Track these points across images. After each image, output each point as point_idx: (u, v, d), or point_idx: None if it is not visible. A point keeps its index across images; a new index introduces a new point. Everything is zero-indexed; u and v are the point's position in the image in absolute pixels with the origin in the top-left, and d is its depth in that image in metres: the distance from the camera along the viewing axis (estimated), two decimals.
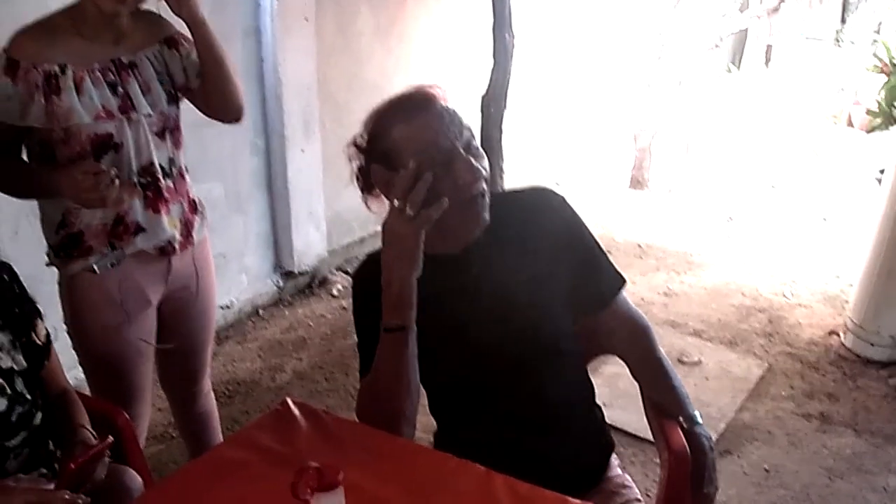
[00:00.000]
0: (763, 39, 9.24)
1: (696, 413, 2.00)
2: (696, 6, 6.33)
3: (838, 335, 4.27)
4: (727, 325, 4.44)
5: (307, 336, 4.17)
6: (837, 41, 8.94)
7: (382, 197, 1.81)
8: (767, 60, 9.44)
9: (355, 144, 1.81)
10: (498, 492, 1.55)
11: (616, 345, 2.07)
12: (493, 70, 4.76)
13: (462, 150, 1.69)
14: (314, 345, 4.10)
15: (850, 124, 8.41)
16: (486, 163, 1.74)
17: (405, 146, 1.69)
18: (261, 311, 4.38)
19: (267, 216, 4.36)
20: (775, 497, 3.14)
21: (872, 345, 4.02)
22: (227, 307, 4.18)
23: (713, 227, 5.94)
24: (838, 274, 5.09)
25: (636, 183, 6.61)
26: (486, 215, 1.73)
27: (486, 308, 1.82)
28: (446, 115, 1.71)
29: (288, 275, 4.51)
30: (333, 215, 4.74)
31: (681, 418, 1.98)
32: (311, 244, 4.55)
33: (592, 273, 1.94)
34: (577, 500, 1.56)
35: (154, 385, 2.55)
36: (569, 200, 1.94)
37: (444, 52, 5.38)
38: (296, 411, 1.80)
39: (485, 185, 1.72)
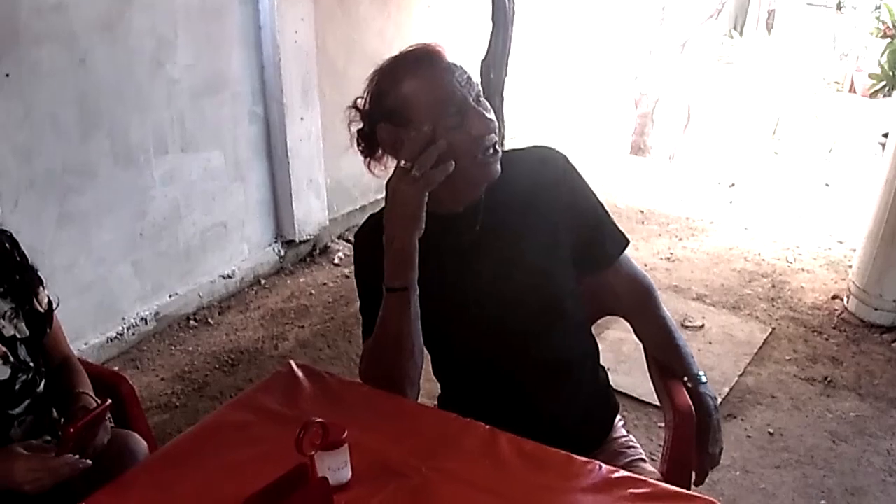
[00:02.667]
0: (765, 5, 9.18)
1: (701, 373, 2.00)
2: None
3: (841, 299, 4.26)
4: (730, 289, 4.43)
5: (309, 304, 4.16)
6: (839, 7, 8.87)
7: (386, 160, 1.80)
8: (769, 27, 9.38)
9: (356, 107, 1.78)
10: (503, 450, 1.55)
11: (620, 305, 2.06)
12: (492, 35, 4.73)
13: (473, 102, 1.67)
14: (316, 313, 4.09)
15: (853, 90, 8.37)
16: (494, 114, 1.72)
17: (416, 100, 1.67)
18: (262, 281, 4.36)
19: (267, 185, 4.33)
20: (779, 460, 3.14)
21: (876, 309, 4.02)
22: (229, 276, 4.18)
23: (715, 193, 5.93)
24: (841, 239, 5.08)
25: (637, 149, 6.59)
26: (499, 167, 1.71)
27: (489, 267, 1.81)
28: (454, 68, 1.69)
29: (289, 243, 4.49)
30: (334, 183, 4.72)
31: (685, 378, 1.98)
32: (311, 212, 4.53)
33: (596, 232, 1.92)
34: (582, 458, 1.55)
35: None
36: (571, 159, 1.92)
37: (444, 17, 5.34)
38: (299, 373, 1.79)
39: (496, 137, 1.71)
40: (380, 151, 1.79)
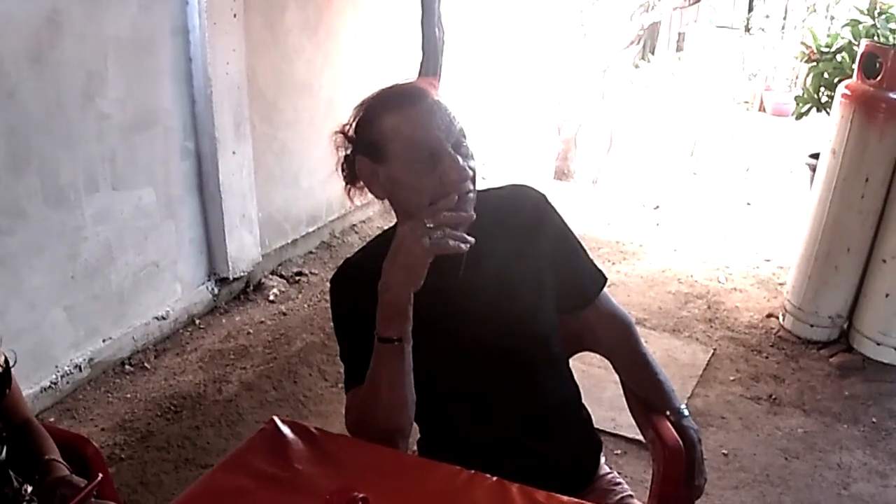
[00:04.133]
0: (675, 28, 9.38)
1: (683, 406, 2.00)
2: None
3: (777, 318, 4.34)
4: (668, 312, 4.47)
5: (248, 344, 4.04)
6: (747, 29, 9.12)
7: (365, 189, 1.75)
8: (679, 49, 9.58)
9: (343, 133, 1.73)
10: (516, 502, 1.49)
11: (600, 342, 2.04)
12: (421, 64, 4.71)
13: (450, 148, 1.62)
14: (257, 353, 3.97)
15: (762, 109, 8.60)
16: (474, 162, 1.68)
17: (391, 138, 1.63)
18: (197, 320, 4.21)
19: (199, 221, 4.20)
20: (736, 480, 3.17)
21: (812, 325, 4.10)
22: (163, 318, 4.03)
23: (641, 216, 6.00)
24: (768, 257, 5.19)
25: (561, 174, 6.63)
26: (472, 213, 1.67)
27: (474, 310, 1.76)
28: (437, 109, 1.64)
29: (223, 281, 4.37)
30: (266, 218, 4.63)
31: (668, 412, 1.97)
32: (244, 248, 4.41)
33: (576, 271, 1.91)
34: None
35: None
36: (549, 198, 1.89)
37: (373, 47, 5.31)
38: (285, 429, 1.69)
39: (471, 185, 1.66)
40: (359, 181, 1.75)
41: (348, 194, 1.79)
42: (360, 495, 1.29)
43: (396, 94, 1.68)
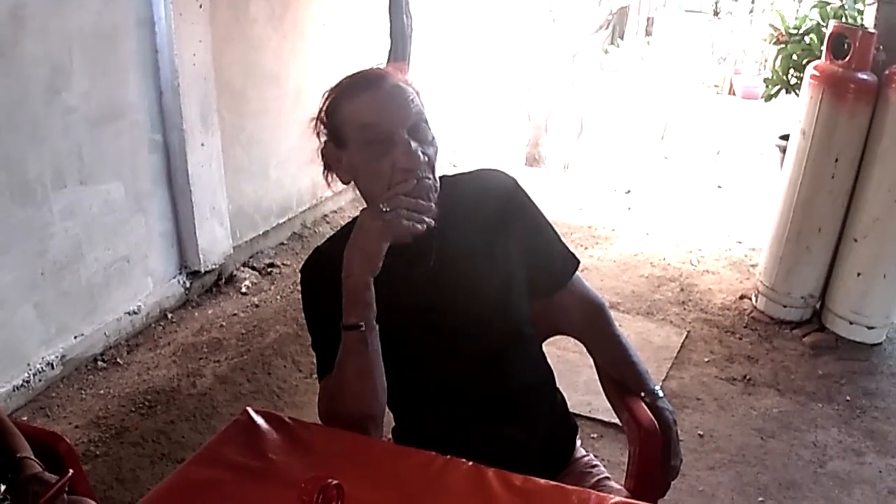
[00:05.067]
0: (643, 13, 9.40)
1: (657, 387, 2.00)
2: None
3: (749, 299, 4.36)
4: (641, 295, 4.48)
5: (221, 337, 4.01)
6: (716, 13, 9.15)
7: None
8: (648, 33, 9.60)
9: (319, 119, 1.73)
10: (491, 486, 1.48)
11: (572, 325, 2.04)
12: (389, 52, 4.70)
13: (405, 133, 1.62)
14: (230, 346, 3.94)
15: (732, 93, 8.64)
16: (433, 149, 1.68)
17: (349, 123, 1.65)
18: (169, 315, 4.18)
19: (169, 215, 4.16)
20: (713, 461, 3.18)
21: (784, 306, 4.12)
22: (135, 313, 3.99)
23: (612, 200, 6.02)
24: (740, 239, 5.22)
25: (532, 160, 6.63)
26: (432, 203, 1.66)
27: (446, 296, 1.76)
28: (395, 93, 1.64)
29: (194, 274, 4.33)
30: (236, 209, 4.59)
31: (642, 394, 1.97)
32: (215, 241, 4.38)
33: (548, 255, 1.91)
34: (574, 487, 1.51)
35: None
36: (520, 182, 1.88)
37: (339, 35, 5.27)
38: (259, 420, 1.68)
39: (428, 172, 1.66)
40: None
41: (326, 180, 1.79)
42: (334, 482, 1.28)
43: (356, 80, 1.69)
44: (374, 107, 1.63)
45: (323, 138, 1.74)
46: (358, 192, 1.75)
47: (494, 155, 6.64)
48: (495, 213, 1.81)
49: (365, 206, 1.73)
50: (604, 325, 2.02)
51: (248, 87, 4.56)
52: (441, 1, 6.15)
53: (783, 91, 5.20)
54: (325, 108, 1.70)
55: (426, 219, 1.61)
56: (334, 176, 1.76)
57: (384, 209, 1.59)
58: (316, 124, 1.73)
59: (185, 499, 1.50)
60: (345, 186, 1.78)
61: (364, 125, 1.63)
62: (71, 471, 1.60)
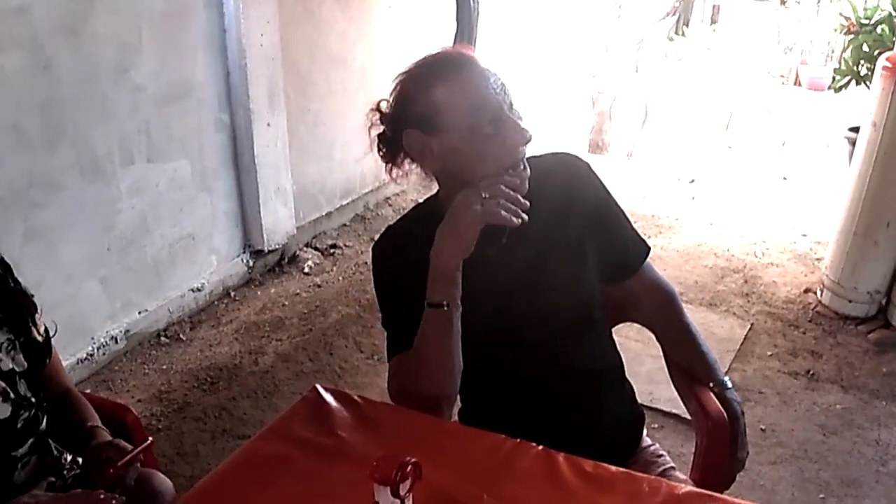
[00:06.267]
0: (709, 1, 9.27)
1: (726, 378, 1.96)
2: None
3: (814, 293, 4.28)
4: (704, 286, 4.43)
5: (284, 316, 4.05)
6: (783, 2, 8.99)
7: (406, 166, 1.73)
8: (714, 22, 9.47)
9: (379, 110, 1.70)
10: (562, 471, 1.48)
11: (643, 312, 2.01)
12: (455, 35, 4.68)
13: (508, 111, 1.60)
14: (292, 325, 3.98)
15: (798, 83, 8.49)
16: (527, 126, 1.65)
17: (450, 107, 1.60)
18: (232, 293, 4.23)
19: (234, 194, 4.21)
20: (774, 456, 3.14)
21: (850, 301, 4.04)
22: (199, 290, 4.04)
23: (676, 189, 5.94)
24: (805, 232, 5.12)
25: (596, 147, 6.58)
26: (526, 185, 1.65)
27: (519, 277, 1.75)
28: (489, 74, 1.63)
29: (257, 253, 4.37)
30: (300, 190, 4.62)
31: (711, 384, 1.93)
32: (279, 221, 4.41)
33: (620, 240, 1.88)
34: (644, 475, 1.50)
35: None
36: (593, 167, 1.86)
37: (406, 18, 5.27)
38: (328, 398, 1.69)
39: (526, 151, 1.64)
40: (401, 157, 1.72)
41: (389, 172, 1.76)
42: (412, 460, 1.27)
43: (444, 63, 1.66)
44: (476, 88, 1.62)
45: (383, 130, 1.71)
46: (439, 178, 1.73)
47: (558, 141, 6.60)
48: (568, 197, 1.79)
49: (438, 189, 1.73)
50: (674, 314, 1.98)
51: (314, 68, 4.58)
52: None
53: (853, 82, 5.10)
54: (400, 96, 1.67)
55: (522, 213, 1.59)
56: (400, 168, 1.74)
57: (484, 195, 1.57)
58: (381, 115, 1.71)
59: (256, 473, 1.51)
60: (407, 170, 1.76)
61: (472, 106, 1.60)
62: (150, 439, 1.61)
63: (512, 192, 1.59)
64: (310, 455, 1.53)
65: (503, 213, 1.57)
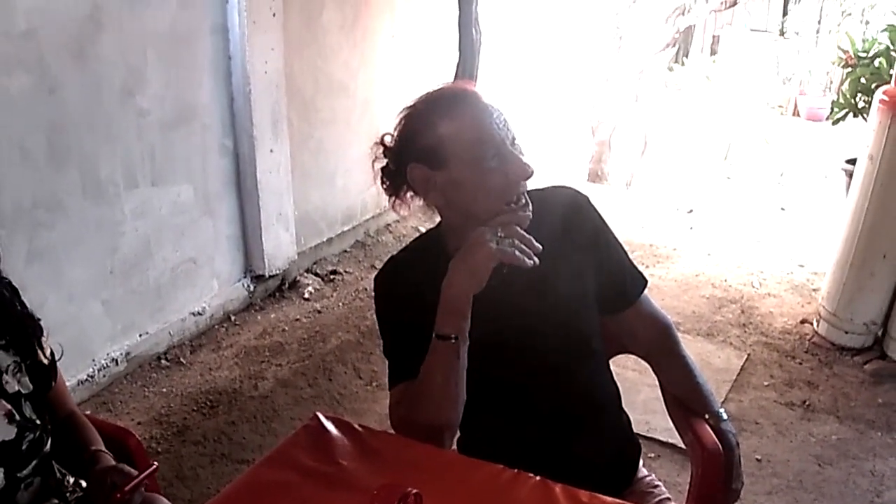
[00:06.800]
0: (709, 31, 9.33)
1: (722, 410, 1.98)
2: (652, 2, 6.35)
3: (810, 323, 4.31)
4: (702, 316, 4.45)
5: (283, 341, 4.07)
6: (782, 32, 9.06)
7: (410, 199, 1.75)
8: (713, 52, 9.53)
9: (383, 144, 1.73)
10: (559, 502, 1.50)
11: (639, 344, 2.04)
12: (458, 65, 4.72)
13: (510, 146, 1.64)
14: (292, 350, 4.00)
15: (797, 114, 8.55)
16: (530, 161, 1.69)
17: (454, 142, 1.64)
18: (233, 317, 4.25)
19: (236, 219, 4.24)
20: (770, 486, 3.15)
21: (846, 332, 4.06)
22: (199, 314, 4.07)
23: (674, 219, 5.97)
24: (802, 263, 5.15)
25: (595, 176, 6.61)
26: (529, 215, 1.68)
27: (517, 309, 1.77)
28: (492, 109, 1.66)
29: (258, 278, 4.40)
30: (301, 216, 4.65)
31: (706, 416, 1.96)
32: (280, 246, 4.44)
33: (617, 273, 1.91)
34: None
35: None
36: (592, 199, 1.90)
37: (410, 47, 5.32)
38: (328, 426, 1.71)
39: (527, 186, 1.68)
40: (405, 190, 1.75)
41: (392, 206, 1.80)
42: (414, 491, 1.30)
43: (448, 98, 1.69)
44: (480, 123, 1.65)
45: (388, 163, 1.74)
46: (442, 211, 1.76)
47: (558, 171, 6.64)
48: (567, 229, 1.82)
49: (440, 220, 1.76)
50: (671, 345, 2.01)
51: (318, 95, 4.63)
52: (509, 16, 6.17)
53: (850, 114, 5.14)
54: (405, 130, 1.70)
55: (535, 257, 1.62)
56: (403, 201, 1.77)
57: (500, 234, 1.61)
58: (385, 149, 1.74)
59: (257, 499, 1.54)
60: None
61: (476, 141, 1.63)
62: (155, 464, 1.63)
63: (527, 235, 1.62)
64: (311, 483, 1.55)
65: (517, 253, 1.60)
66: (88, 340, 3.55)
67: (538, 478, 1.55)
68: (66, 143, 3.30)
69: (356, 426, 1.72)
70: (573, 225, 1.84)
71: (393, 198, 1.78)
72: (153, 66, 3.60)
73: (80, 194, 3.39)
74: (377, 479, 1.48)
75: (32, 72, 3.12)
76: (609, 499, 1.52)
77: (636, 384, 3.36)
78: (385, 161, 1.75)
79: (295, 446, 1.67)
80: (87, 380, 3.54)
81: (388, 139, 1.74)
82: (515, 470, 1.58)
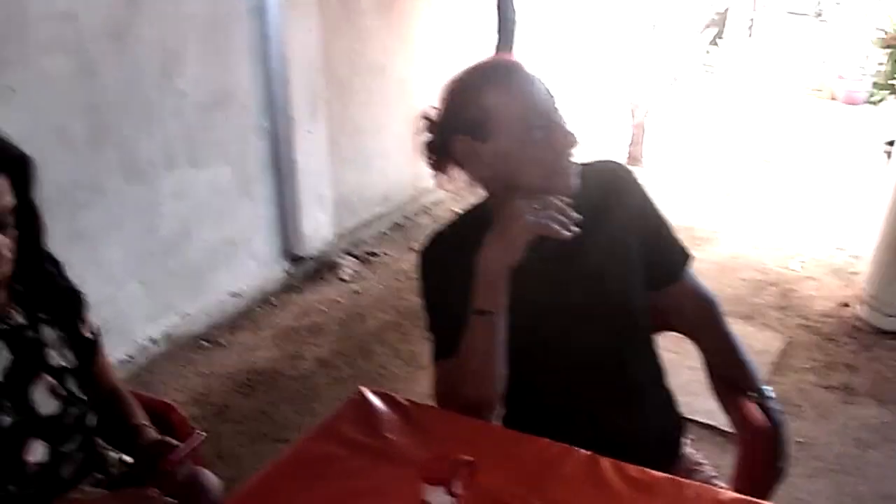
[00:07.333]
0: (746, 14, 9.23)
1: (768, 388, 1.96)
2: None
3: (851, 307, 4.26)
4: (741, 299, 4.41)
5: (322, 322, 4.08)
6: (819, 15, 8.94)
7: (456, 172, 1.74)
8: (749, 35, 9.43)
9: (427, 118, 1.72)
10: (608, 476, 1.49)
11: (684, 320, 2.01)
12: (497, 48, 4.70)
13: (556, 116, 1.63)
14: (331, 331, 4.01)
15: (834, 97, 8.45)
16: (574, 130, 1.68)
17: (501, 113, 1.62)
18: (271, 298, 4.27)
19: (274, 200, 4.26)
20: (811, 469, 3.12)
21: (888, 315, 4.03)
22: (238, 295, 4.09)
23: (712, 202, 5.93)
24: (841, 246, 5.10)
25: (632, 159, 6.55)
26: (577, 180, 1.68)
27: (564, 284, 1.76)
28: (536, 80, 1.65)
29: (296, 260, 4.42)
30: (339, 197, 4.66)
31: (753, 392, 1.93)
32: (318, 228, 4.46)
33: (663, 248, 1.89)
34: (688, 481, 1.51)
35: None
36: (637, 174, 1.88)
37: (446, 28, 5.32)
38: (374, 399, 1.71)
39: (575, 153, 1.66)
40: (449, 164, 1.74)
41: (437, 180, 1.78)
42: (468, 458, 1.29)
43: (493, 69, 1.69)
44: (525, 93, 1.64)
45: (433, 137, 1.73)
46: (486, 184, 1.75)
47: (595, 153, 6.59)
48: (613, 204, 1.81)
49: (487, 196, 1.75)
50: (716, 321, 1.98)
51: (355, 76, 4.63)
52: None
53: (891, 95, 5.07)
54: (451, 102, 1.69)
55: (572, 227, 1.60)
56: (448, 175, 1.76)
57: (536, 206, 1.59)
58: (430, 122, 1.73)
59: (304, 472, 1.54)
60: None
61: (522, 111, 1.62)
62: (203, 434, 1.64)
63: (565, 207, 1.60)
64: (358, 456, 1.55)
65: (553, 224, 1.58)
66: (127, 321, 3.58)
67: (587, 452, 1.54)
68: (104, 124, 3.31)
69: (402, 400, 1.72)
70: (618, 199, 1.83)
71: (437, 172, 1.77)
72: (191, 48, 3.61)
73: (120, 176, 3.41)
74: (424, 452, 1.48)
75: (71, 54, 3.14)
76: (658, 473, 1.51)
77: (675, 366, 3.29)
78: (429, 135, 1.74)
79: (341, 420, 1.67)
80: (126, 360, 3.56)
81: (432, 112, 1.73)
82: (563, 444, 1.57)
